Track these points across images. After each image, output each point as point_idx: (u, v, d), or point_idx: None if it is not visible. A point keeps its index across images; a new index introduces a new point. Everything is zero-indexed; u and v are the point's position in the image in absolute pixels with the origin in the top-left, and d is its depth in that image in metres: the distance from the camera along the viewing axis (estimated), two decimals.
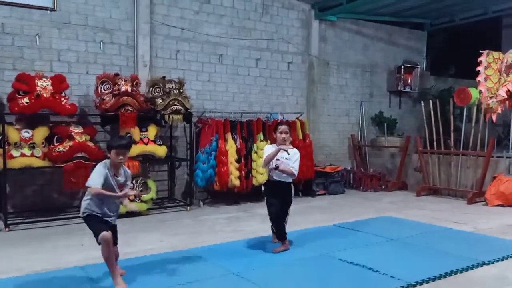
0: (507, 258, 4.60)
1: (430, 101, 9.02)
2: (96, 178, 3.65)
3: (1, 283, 3.88)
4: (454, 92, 8.96)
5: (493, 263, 4.47)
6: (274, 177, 4.85)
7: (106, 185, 3.69)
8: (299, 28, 9.35)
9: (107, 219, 3.79)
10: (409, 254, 4.80)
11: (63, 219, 6.25)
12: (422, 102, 9.31)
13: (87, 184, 3.69)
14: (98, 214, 3.74)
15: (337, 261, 4.52)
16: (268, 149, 4.92)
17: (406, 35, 11.23)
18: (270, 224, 5.07)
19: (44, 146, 6.14)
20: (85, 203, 3.76)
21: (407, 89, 10.93)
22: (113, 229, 3.85)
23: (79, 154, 6.17)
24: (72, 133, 6.21)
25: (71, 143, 6.13)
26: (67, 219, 6.26)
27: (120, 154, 3.74)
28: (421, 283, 3.89)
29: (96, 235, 3.66)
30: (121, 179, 3.84)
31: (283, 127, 4.91)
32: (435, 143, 8.85)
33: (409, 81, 10.94)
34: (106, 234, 3.62)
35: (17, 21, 6.47)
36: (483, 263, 4.42)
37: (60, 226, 6.02)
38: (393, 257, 4.67)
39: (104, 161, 3.81)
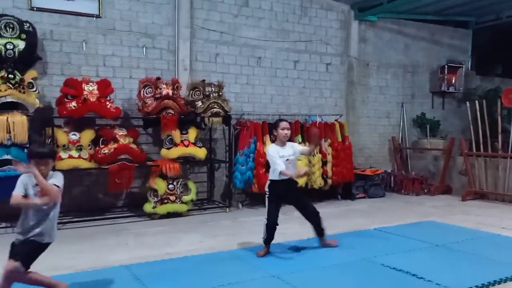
0: None
1: (476, 101, 8.69)
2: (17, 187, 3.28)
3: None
4: (502, 92, 8.58)
5: None
6: (286, 176, 4.71)
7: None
8: (338, 29, 9.25)
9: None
10: (455, 260, 4.64)
11: (108, 219, 6.46)
12: (467, 102, 8.98)
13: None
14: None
15: (379, 266, 4.43)
16: (274, 150, 4.78)
17: (449, 34, 10.87)
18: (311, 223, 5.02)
19: (91, 148, 6.37)
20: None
21: (451, 89, 10.57)
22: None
23: (123, 156, 6.35)
24: (117, 136, 6.41)
25: (115, 145, 6.33)
26: (112, 219, 6.48)
27: (41, 164, 3.32)
28: None
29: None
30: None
31: (285, 123, 4.85)
32: (481, 146, 8.51)
33: (453, 81, 10.58)
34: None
35: (65, 28, 6.75)
36: None
37: (105, 225, 6.22)
38: (438, 264, 4.53)
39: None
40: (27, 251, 3.34)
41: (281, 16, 8.55)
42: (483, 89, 10.66)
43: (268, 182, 4.89)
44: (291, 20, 8.67)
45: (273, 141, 4.98)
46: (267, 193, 4.87)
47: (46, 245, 3.47)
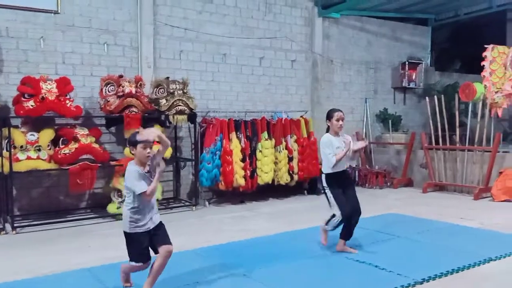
0: None
1: (435, 97, 8.98)
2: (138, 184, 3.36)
3: (11, 285, 3.91)
4: (459, 87, 8.90)
5: (500, 258, 4.46)
6: (343, 167, 4.62)
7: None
8: (303, 26, 9.33)
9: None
10: (416, 251, 4.78)
11: (69, 221, 6.29)
12: (427, 98, 9.27)
13: (138, 193, 3.34)
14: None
15: (344, 259, 4.52)
16: (328, 140, 4.55)
17: (410, 31, 11.18)
18: (341, 223, 4.62)
19: (50, 149, 6.17)
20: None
21: (412, 85, 10.88)
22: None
23: (84, 156, 6.20)
24: (78, 135, 6.24)
25: (76, 145, 6.16)
26: (74, 221, 6.31)
27: (147, 147, 3.41)
28: (428, 280, 3.88)
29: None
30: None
31: (340, 114, 4.64)
32: (440, 139, 8.81)
33: (413, 77, 10.90)
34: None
35: (22, 25, 6.50)
36: (491, 259, 4.40)
37: (67, 228, 6.05)
38: (400, 255, 4.66)
39: (129, 163, 3.51)
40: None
41: (246, 12, 8.54)
42: (442, 85, 11.03)
43: (323, 177, 4.65)
44: (256, 16, 8.67)
45: (327, 131, 4.68)
46: (326, 187, 4.63)
47: None
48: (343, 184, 4.66)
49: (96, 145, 6.38)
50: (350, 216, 4.56)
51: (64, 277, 4.10)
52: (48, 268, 4.34)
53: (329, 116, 4.72)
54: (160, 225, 3.58)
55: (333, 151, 4.51)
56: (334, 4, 9.36)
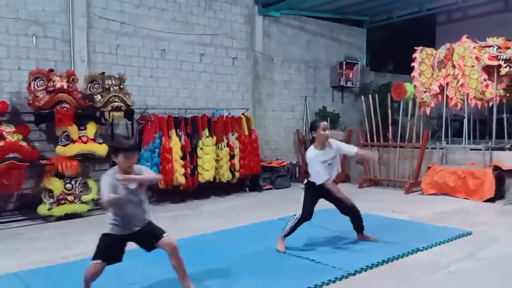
0: (440, 244, 4.87)
1: (370, 96, 9.37)
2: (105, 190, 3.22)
3: None
4: (392, 87, 9.35)
5: (427, 249, 4.71)
6: (331, 178, 4.64)
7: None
8: (243, 23, 9.35)
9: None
10: (349, 244, 4.95)
11: None
12: (362, 97, 9.65)
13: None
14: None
15: (281, 254, 4.58)
16: (313, 155, 4.55)
17: (346, 32, 11.56)
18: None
19: None
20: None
21: (349, 84, 11.27)
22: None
23: (11, 155, 5.85)
24: (3, 133, 5.87)
25: (2, 143, 5.79)
26: (1, 224, 5.91)
27: (129, 158, 3.26)
28: (360, 272, 4.04)
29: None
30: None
31: (325, 123, 4.59)
32: (375, 136, 9.20)
33: (350, 76, 11.29)
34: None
35: None
36: (418, 250, 4.65)
37: None
38: (334, 248, 4.81)
39: (108, 171, 3.38)
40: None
41: (185, 8, 8.42)
42: (376, 84, 11.53)
43: (305, 181, 4.77)
44: (196, 12, 8.57)
45: (311, 142, 4.66)
46: (305, 185, 4.72)
47: None
48: (322, 194, 4.70)
49: (24, 143, 6.03)
50: (306, 219, 4.69)
51: None
52: None
53: (313, 127, 4.61)
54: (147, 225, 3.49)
55: (319, 167, 4.51)
56: (274, 3, 9.47)
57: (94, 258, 3.37)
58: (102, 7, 7.38)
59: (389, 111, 9.06)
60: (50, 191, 6.20)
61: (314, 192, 4.71)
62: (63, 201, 6.25)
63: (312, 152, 4.60)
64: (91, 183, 6.68)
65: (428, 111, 9.00)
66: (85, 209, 6.48)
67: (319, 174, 4.54)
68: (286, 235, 4.71)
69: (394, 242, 4.94)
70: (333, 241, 5.12)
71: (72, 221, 6.25)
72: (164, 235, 3.46)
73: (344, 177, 9.82)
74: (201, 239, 5.22)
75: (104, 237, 3.41)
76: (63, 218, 6.25)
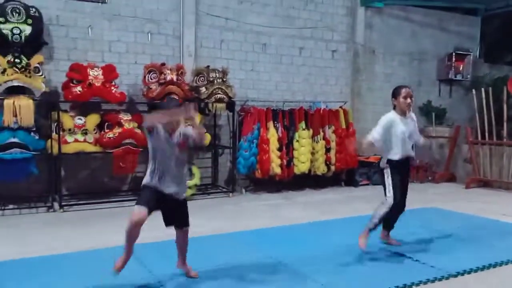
0: None
1: (483, 89, 8.62)
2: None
3: (53, 258, 4.19)
4: (508, 80, 8.50)
5: None
6: (409, 153, 4.14)
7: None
8: (344, 15, 9.19)
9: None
10: (453, 245, 4.67)
11: (112, 202, 6.58)
12: (474, 91, 8.92)
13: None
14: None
15: (380, 250, 4.48)
16: (388, 121, 4.06)
17: (458, 21, 10.74)
18: (389, 216, 4.18)
19: (96, 133, 6.47)
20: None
21: (459, 77, 10.48)
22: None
23: (127, 141, 6.43)
24: (121, 121, 6.50)
25: (120, 130, 6.42)
26: (116, 202, 6.58)
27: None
28: (462, 274, 3.81)
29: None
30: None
31: (408, 90, 4.10)
32: (487, 134, 8.47)
33: (460, 68, 10.49)
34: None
35: (71, 14, 6.81)
36: None
37: (109, 208, 6.35)
38: (436, 248, 4.57)
39: None
40: None
41: (287, 2, 8.52)
42: (491, 77, 10.54)
43: (381, 162, 4.24)
44: (297, 6, 8.63)
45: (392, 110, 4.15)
46: (387, 166, 4.13)
47: None
48: (405, 171, 4.20)
49: (138, 130, 6.62)
50: (400, 206, 4.16)
51: (101, 253, 4.31)
52: (89, 244, 4.59)
53: (395, 94, 4.17)
54: (182, 205, 3.62)
55: (397, 137, 3.99)
56: None
57: (138, 203, 3.47)
58: (208, 4, 7.80)
59: (505, 106, 8.26)
60: None
61: (401, 170, 4.08)
62: None
63: (388, 117, 4.03)
64: (194, 169, 7.13)
65: None
66: (188, 193, 6.93)
67: (398, 146, 3.95)
68: (371, 229, 4.15)
69: (503, 246, 4.56)
70: (434, 240, 4.86)
71: None
72: (185, 228, 3.65)
73: (449, 177, 9.22)
74: (296, 228, 5.30)
75: (144, 188, 3.56)
76: None
